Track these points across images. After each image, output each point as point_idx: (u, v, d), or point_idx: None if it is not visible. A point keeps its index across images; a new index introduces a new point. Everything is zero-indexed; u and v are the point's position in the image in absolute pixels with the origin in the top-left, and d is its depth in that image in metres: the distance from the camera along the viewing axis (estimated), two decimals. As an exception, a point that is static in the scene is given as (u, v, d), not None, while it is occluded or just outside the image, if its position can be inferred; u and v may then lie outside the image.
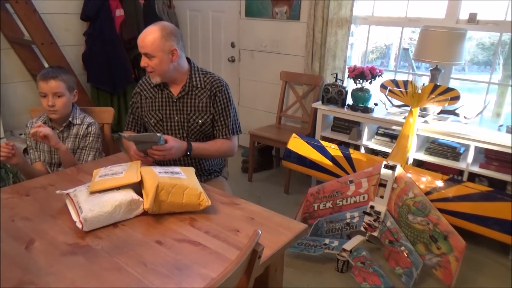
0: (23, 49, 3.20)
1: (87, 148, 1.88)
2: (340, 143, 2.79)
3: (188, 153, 1.74)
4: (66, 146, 1.79)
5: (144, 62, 1.74)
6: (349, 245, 2.17)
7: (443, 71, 2.60)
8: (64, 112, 1.83)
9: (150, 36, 1.68)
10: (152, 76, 1.78)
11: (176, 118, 1.84)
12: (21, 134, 3.11)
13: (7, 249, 1.12)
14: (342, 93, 2.81)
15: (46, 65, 3.15)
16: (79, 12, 3.45)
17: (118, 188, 1.32)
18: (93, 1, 3.38)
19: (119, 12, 3.46)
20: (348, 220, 2.28)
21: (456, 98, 2.36)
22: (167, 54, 1.71)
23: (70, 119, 1.86)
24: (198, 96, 1.83)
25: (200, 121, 1.83)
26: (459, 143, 2.47)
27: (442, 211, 2.09)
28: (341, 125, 2.97)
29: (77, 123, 1.88)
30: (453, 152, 2.48)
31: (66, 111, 1.85)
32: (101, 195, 1.28)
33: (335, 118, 2.98)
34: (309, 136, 2.85)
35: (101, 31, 3.41)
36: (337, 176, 2.45)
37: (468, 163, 2.40)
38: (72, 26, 3.49)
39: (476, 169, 2.39)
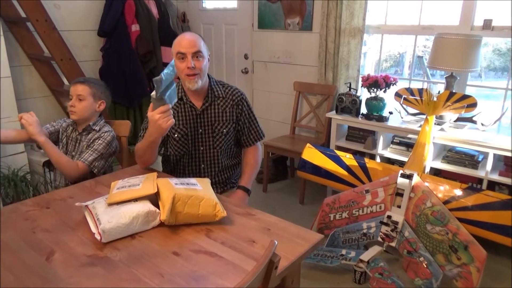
0: (43, 65, 3.30)
1: (90, 148, 1.89)
2: (355, 153, 2.77)
3: (249, 192, 1.89)
4: (45, 138, 1.79)
5: (190, 63, 1.65)
6: (366, 255, 2.14)
7: (458, 78, 2.57)
8: (83, 115, 1.91)
9: (195, 37, 1.69)
10: (194, 81, 1.70)
11: (200, 130, 1.84)
12: (40, 148, 3.18)
13: (28, 260, 1.15)
14: (356, 102, 2.80)
15: (65, 81, 3.23)
16: (96, 28, 3.54)
17: (136, 199, 1.34)
18: (110, 18, 3.46)
19: (135, 28, 3.53)
20: (364, 231, 2.25)
21: (473, 105, 2.33)
22: (208, 56, 1.77)
23: (91, 123, 1.94)
24: (221, 106, 1.84)
25: (224, 130, 1.85)
26: (477, 151, 2.43)
27: (461, 220, 2.04)
28: (355, 135, 2.95)
29: (96, 129, 1.94)
30: (471, 160, 2.44)
31: (86, 115, 1.92)
32: (119, 206, 1.30)
33: (349, 127, 2.97)
34: (323, 146, 2.84)
35: (117, 46, 3.49)
36: (353, 186, 2.43)
37: (487, 171, 2.35)
38: (89, 42, 3.58)
39: (495, 177, 2.35)
